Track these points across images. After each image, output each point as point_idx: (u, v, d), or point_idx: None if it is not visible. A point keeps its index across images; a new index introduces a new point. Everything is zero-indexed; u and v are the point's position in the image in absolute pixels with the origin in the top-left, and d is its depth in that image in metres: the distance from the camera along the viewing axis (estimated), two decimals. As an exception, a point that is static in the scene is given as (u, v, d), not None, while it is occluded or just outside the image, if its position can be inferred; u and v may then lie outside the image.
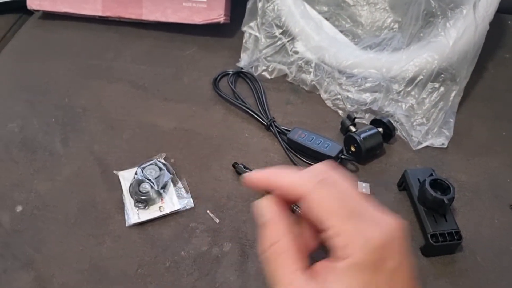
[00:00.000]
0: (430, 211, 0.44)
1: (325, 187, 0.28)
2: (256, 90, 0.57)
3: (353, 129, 0.51)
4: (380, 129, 0.51)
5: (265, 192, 0.30)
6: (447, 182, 0.44)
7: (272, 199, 0.30)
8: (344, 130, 0.52)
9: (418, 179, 0.46)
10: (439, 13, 0.54)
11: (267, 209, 0.30)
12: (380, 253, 0.27)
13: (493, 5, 0.54)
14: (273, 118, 0.53)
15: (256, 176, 0.30)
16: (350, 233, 0.27)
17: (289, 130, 0.51)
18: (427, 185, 0.43)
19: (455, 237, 0.43)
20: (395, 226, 0.28)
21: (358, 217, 0.28)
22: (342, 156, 0.47)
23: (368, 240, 0.27)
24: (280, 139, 0.51)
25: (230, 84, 0.57)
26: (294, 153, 0.50)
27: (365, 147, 0.49)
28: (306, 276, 0.28)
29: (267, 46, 0.59)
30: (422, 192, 0.44)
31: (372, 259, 0.27)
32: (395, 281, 0.27)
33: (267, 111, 0.54)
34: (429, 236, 0.43)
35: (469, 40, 0.53)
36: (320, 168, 0.29)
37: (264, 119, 0.53)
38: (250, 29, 0.60)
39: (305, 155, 0.50)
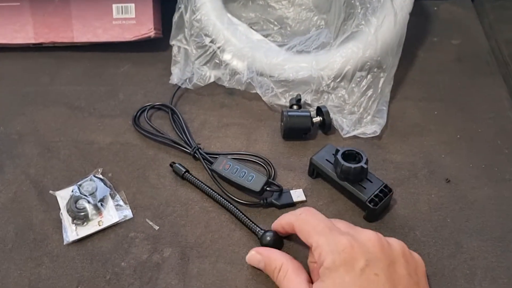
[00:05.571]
0: (354, 183, 0.46)
1: (302, 215, 0.39)
2: (174, 120, 0.55)
3: (295, 108, 0.54)
4: (319, 118, 0.53)
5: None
6: (354, 150, 0.46)
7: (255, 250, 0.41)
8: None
9: (327, 160, 0.48)
10: (358, 3, 0.56)
11: (256, 253, 0.41)
12: (348, 255, 0.34)
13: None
14: (198, 145, 0.51)
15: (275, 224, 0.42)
16: (322, 244, 0.35)
17: (215, 156, 0.50)
18: (342, 162, 0.45)
19: (387, 191, 0.45)
20: (366, 235, 0.36)
21: (329, 231, 0.36)
22: (268, 189, 0.46)
23: (335, 246, 0.35)
24: (207, 168, 0.49)
25: (147, 120, 0.55)
26: (219, 182, 0.49)
27: (288, 124, 0.51)
28: (308, 284, 0.37)
29: (199, 57, 0.59)
30: (342, 170, 0.45)
31: (340, 262, 0.34)
32: (363, 279, 0.33)
33: (190, 140, 0.51)
34: (368, 203, 0.44)
35: (390, 27, 0.55)
36: (300, 209, 0.40)
37: (188, 148, 0.51)
38: (179, 42, 0.60)
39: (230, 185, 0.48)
